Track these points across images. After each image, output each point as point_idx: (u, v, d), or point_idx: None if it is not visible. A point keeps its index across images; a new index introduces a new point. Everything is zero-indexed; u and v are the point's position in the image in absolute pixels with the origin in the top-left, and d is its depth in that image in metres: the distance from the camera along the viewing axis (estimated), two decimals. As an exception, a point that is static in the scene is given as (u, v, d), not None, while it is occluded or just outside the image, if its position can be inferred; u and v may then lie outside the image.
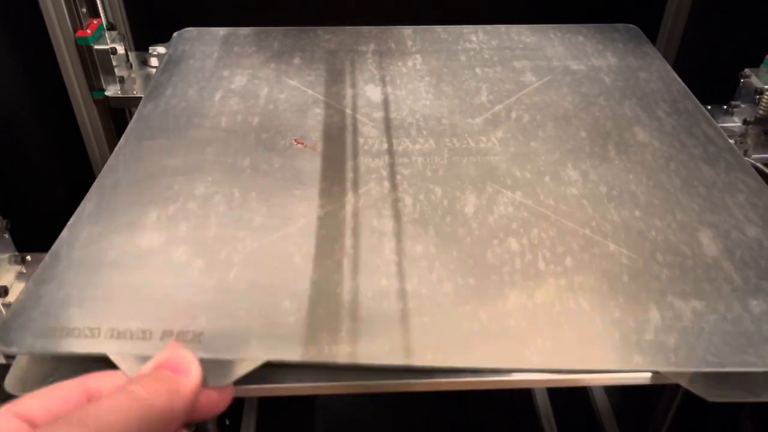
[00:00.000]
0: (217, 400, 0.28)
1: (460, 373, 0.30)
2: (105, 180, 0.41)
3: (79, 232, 0.37)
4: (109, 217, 0.38)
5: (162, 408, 0.24)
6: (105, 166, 0.42)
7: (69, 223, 0.37)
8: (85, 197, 0.39)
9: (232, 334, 0.31)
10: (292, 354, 0.30)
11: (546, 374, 0.30)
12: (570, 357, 0.30)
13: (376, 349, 0.30)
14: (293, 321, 0.31)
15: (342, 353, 0.30)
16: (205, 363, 0.27)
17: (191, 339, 0.30)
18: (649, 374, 0.30)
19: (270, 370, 0.30)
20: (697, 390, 0.29)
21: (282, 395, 0.31)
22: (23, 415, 0.23)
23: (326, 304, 0.32)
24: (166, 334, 0.30)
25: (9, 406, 0.24)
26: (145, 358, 0.28)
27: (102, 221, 0.37)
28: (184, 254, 0.35)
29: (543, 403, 0.77)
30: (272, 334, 0.31)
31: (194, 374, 0.26)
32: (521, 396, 0.77)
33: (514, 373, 0.30)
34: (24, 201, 0.61)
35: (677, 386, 0.30)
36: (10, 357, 0.31)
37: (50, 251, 0.35)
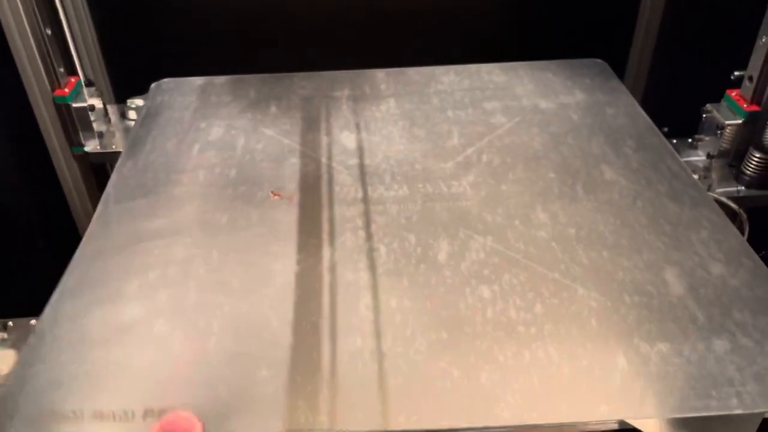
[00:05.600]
0: None
1: None
2: (86, 249, 0.42)
3: (62, 306, 0.38)
4: (91, 290, 0.39)
5: None
6: (86, 233, 0.43)
7: (52, 298, 0.38)
8: (67, 269, 0.40)
9: (212, 409, 0.31)
10: (272, 428, 0.31)
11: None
12: (539, 411, 0.31)
13: (353, 416, 0.31)
14: (272, 392, 0.32)
15: (320, 423, 0.31)
16: None
17: None
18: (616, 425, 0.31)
19: None
20: None
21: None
22: None
23: (303, 371, 0.33)
24: (148, 413, 0.31)
25: None
26: None
27: (84, 294, 0.38)
28: (165, 325, 0.36)
29: None
30: (251, 408, 0.32)
31: None
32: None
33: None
34: (5, 261, 0.61)
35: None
36: None
37: (35, 330, 0.36)
